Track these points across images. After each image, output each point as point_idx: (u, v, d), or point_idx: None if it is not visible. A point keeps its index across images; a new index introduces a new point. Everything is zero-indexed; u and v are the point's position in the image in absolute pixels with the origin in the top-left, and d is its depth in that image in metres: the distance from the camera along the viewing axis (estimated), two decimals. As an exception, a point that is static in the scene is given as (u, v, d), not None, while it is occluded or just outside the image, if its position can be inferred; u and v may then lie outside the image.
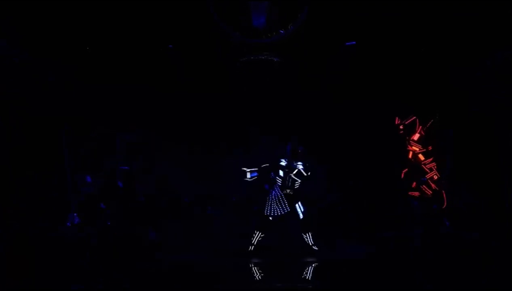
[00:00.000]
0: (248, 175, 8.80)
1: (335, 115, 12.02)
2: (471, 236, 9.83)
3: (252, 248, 8.67)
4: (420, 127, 12.12)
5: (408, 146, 12.19)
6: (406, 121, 12.17)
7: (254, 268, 8.03)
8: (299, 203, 8.73)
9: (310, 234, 8.59)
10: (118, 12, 10.64)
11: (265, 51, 11.53)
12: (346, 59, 11.40)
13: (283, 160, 8.81)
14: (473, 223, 10.45)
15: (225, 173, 11.84)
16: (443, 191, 11.46)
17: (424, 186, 11.85)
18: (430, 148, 12.04)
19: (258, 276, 7.57)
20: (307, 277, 7.45)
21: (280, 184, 8.75)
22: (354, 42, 11.07)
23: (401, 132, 12.19)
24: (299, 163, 8.76)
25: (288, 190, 8.69)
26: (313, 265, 8.20)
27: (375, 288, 6.87)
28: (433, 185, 11.85)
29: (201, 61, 11.70)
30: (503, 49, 10.20)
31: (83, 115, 11.56)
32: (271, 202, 8.69)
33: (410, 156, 12.17)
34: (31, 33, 10.55)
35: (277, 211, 8.61)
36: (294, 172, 8.65)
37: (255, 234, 8.67)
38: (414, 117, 12.12)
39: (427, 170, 11.98)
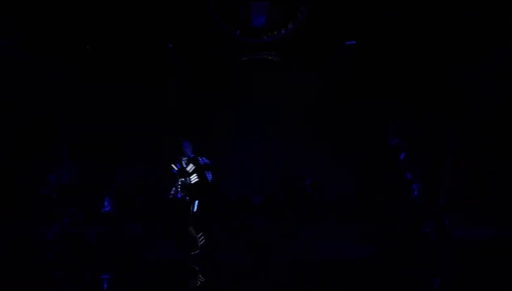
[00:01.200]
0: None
1: (335, 114, 12.04)
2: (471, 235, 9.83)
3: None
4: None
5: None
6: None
7: (255, 268, 8.01)
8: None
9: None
10: (118, 12, 10.65)
11: (265, 51, 11.55)
12: (346, 59, 11.41)
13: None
14: (474, 222, 10.44)
15: (225, 172, 11.85)
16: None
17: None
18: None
19: (258, 276, 7.56)
20: (307, 277, 7.43)
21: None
22: (354, 42, 11.09)
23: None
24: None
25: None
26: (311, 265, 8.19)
27: (376, 288, 6.87)
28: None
29: (201, 61, 11.71)
30: (503, 49, 10.20)
31: (83, 115, 11.56)
32: None
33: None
34: (31, 33, 10.57)
35: None
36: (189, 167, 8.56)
37: None
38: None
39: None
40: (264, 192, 12.05)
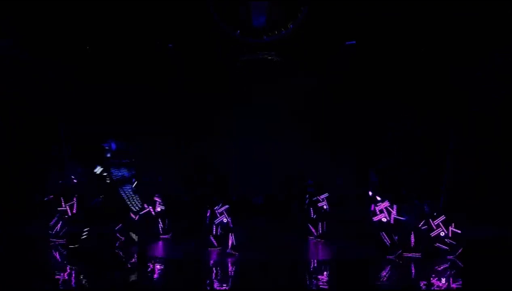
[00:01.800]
0: None
1: (335, 114, 12.05)
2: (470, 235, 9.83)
3: None
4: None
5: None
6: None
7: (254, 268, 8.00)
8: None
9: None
10: (118, 12, 10.66)
11: (265, 51, 11.56)
12: (346, 59, 11.42)
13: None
14: (474, 222, 10.44)
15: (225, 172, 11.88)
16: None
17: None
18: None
19: (257, 276, 7.56)
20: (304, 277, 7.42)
21: None
22: (354, 42, 11.10)
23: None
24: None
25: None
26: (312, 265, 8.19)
27: (377, 288, 6.87)
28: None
29: (201, 61, 11.72)
30: (503, 49, 10.21)
31: (83, 115, 11.56)
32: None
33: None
34: (31, 33, 10.58)
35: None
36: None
37: None
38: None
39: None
40: (264, 192, 12.07)
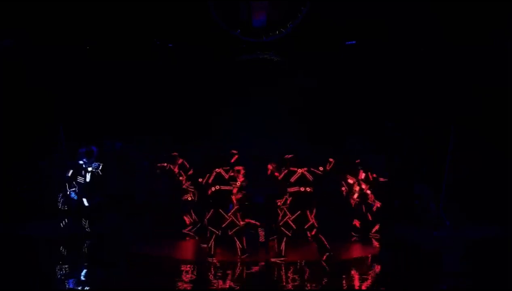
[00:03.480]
0: None
1: (334, 114, 12.06)
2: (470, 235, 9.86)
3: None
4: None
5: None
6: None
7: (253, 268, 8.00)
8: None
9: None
10: (118, 12, 10.70)
11: (265, 50, 11.58)
12: (346, 59, 11.43)
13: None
14: (474, 222, 10.46)
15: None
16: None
17: None
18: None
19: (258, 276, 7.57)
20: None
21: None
22: (354, 42, 11.12)
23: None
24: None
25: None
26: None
27: (378, 287, 6.88)
28: None
29: (200, 60, 11.73)
30: (503, 47, 10.23)
31: (83, 115, 11.58)
32: None
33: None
34: (31, 33, 10.62)
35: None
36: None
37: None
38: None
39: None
40: (264, 192, 12.04)
